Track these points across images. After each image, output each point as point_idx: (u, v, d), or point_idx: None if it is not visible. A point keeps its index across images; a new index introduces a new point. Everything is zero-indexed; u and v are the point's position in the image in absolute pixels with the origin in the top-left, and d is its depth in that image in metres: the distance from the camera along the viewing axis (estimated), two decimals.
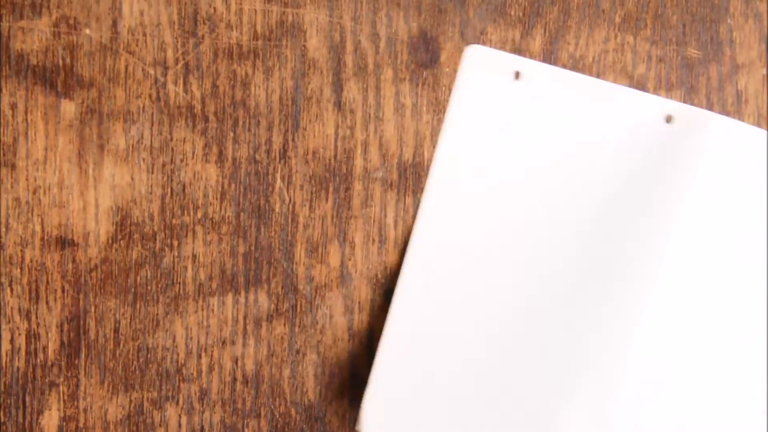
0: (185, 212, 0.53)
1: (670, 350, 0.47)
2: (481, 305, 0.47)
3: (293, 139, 0.52)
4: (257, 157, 0.53)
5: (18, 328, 0.53)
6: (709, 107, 0.52)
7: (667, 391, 0.47)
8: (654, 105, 0.43)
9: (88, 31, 0.52)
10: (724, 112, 0.52)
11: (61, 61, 0.52)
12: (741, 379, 0.48)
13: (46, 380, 0.53)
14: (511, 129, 0.45)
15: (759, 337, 0.47)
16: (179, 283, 0.53)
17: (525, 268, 0.46)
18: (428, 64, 0.52)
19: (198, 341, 0.53)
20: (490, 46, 0.51)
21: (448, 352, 0.47)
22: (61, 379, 0.53)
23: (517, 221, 0.46)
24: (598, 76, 0.53)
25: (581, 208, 0.46)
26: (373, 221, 0.52)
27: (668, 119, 0.43)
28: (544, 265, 0.47)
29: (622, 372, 0.48)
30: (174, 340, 0.53)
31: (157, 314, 0.53)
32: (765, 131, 0.42)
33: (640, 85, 0.53)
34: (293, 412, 0.54)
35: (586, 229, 0.45)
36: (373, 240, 0.52)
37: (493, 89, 0.45)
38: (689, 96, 0.52)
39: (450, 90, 0.52)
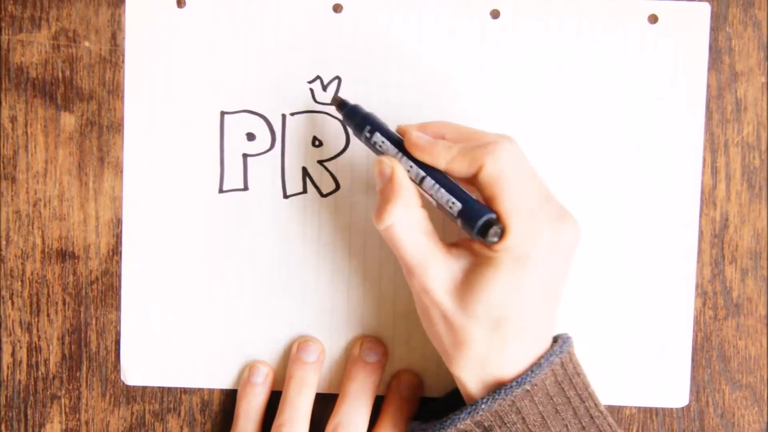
0: None
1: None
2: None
3: None
4: None
5: (19, 341, 0.52)
6: (708, 115, 0.52)
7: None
8: None
9: (87, 43, 0.52)
10: (723, 119, 0.52)
11: (60, 74, 0.52)
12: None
13: (48, 393, 0.53)
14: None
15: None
16: None
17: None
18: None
19: None
20: None
21: (182, 285, 0.52)
22: (63, 392, 0.53)
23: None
24: None
25: None
26: None
27: None
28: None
29: None
30: None
31: None
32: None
33: None
34: None
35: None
36: None
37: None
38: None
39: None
